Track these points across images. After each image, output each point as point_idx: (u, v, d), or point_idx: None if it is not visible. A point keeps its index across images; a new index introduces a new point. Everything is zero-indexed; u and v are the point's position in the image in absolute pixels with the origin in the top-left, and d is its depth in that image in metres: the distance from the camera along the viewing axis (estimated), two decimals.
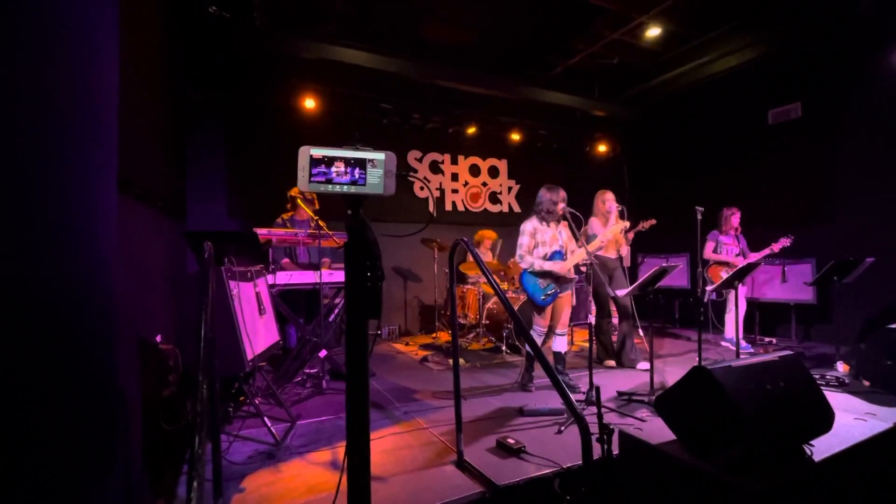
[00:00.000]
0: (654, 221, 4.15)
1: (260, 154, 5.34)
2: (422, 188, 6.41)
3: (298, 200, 3.69)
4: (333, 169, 0.97)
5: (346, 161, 0.99)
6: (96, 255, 1.52)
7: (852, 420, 2.29)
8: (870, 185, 4.76)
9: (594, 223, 4.15)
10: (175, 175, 4.04)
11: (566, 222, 3.41)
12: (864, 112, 4.80)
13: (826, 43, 4.88)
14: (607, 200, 4.11)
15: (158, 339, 2.86)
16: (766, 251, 4.53)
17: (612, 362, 4.25)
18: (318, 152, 0.96)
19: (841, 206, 4.99)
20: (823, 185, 5.14)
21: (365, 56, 4.90)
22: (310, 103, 5.27)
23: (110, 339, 1.55)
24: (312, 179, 0.97)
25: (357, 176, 1.00)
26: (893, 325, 2.91)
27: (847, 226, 4.90)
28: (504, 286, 5.01)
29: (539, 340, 3.35)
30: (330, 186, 0.98)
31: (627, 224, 3.80)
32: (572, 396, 1.70)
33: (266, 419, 2.48)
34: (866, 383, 3.03)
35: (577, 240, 3.30)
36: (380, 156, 1.06)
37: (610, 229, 3.81)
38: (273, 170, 5.24)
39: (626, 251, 4.30)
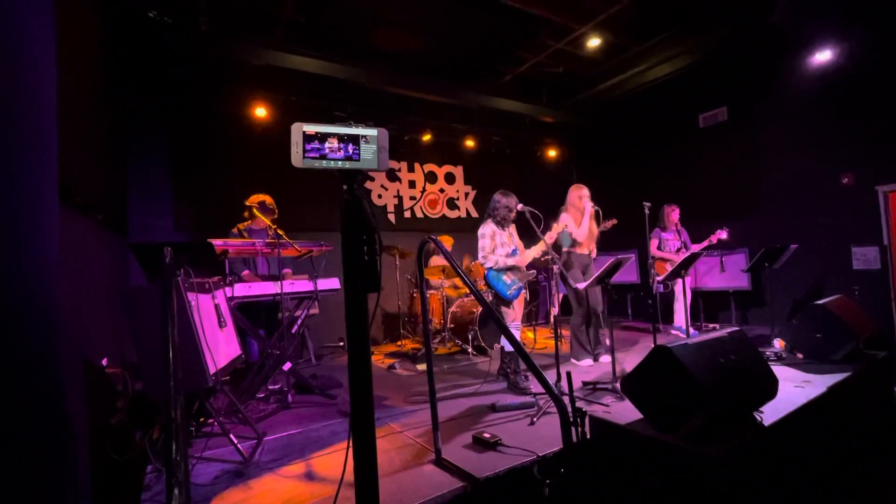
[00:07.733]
0: (615, 221, 4.12)
1: (209, 165, 5.11)
2: (379, 196, 6.41)
3: (255, 209, 3.56)
4: (327, 145, 0.97)
5: (340, 137, 0.99)
6: (38, 270, 1.40)
7: (793, 387, 2.52)
8: (788, 178, 5.30)
9: (566, 218, 4.02)
10: (116, 186, 3.79)
11: (514, 226, 3.62)
12: (780, 113, 5.35)
13: (745, 51, 5.39)
14: (584, 196, 4.00)
15: (105, 362, 2.65)
16: (706, 242, 4.89)
17: (589, 360, 4.04)
18: (311, 128, 0.96)
19: (765, 199, 5.50)
20: (749, 180, 5.65)
21: (316, 63, 4.85)
22: (261, 112, 5.12)
23: (55, 363, 1.43)
24: (307, 155, 0.96)
25: (351, 152, 1.01)
26: (819, 302, 3.23)
27: (772, 217, 5.41)
28: None
29: (516, 335, 3.43)
30: (325, 162, 0.98)
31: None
32: (539, 388, 1.76)
33: (232, 437, 2.36)
34: (800, 355, 3.33)
35: (537, 237, 3.41)
36: (372, 132, 1.07)
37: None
38: (224, 181, 5.04)
39: (594, 250, 4.28)
